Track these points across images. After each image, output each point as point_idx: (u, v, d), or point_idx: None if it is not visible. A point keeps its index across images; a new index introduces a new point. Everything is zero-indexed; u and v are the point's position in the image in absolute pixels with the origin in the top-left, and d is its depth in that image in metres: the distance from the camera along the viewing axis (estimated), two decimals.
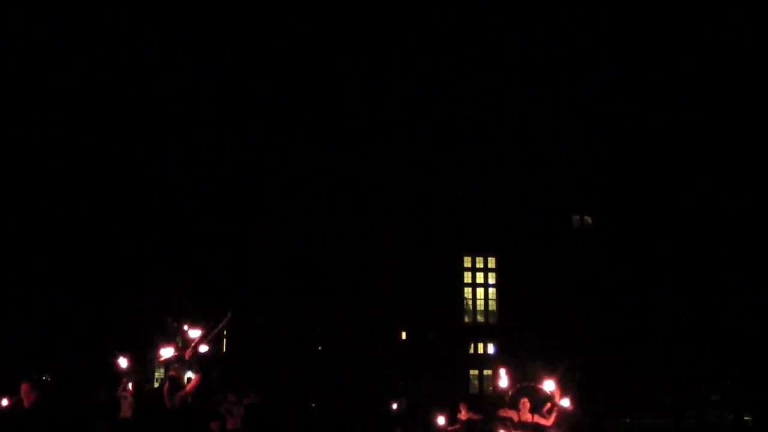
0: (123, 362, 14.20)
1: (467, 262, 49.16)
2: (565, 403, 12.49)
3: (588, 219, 47.12)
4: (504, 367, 14.21)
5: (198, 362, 11.66)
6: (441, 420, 17.50)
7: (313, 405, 30.28)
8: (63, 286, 32.49)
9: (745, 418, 32.40)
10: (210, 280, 39.45)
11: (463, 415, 16.90)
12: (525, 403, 12.36)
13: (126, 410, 14.94)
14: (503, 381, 13.47)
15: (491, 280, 49.02)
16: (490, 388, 46.01)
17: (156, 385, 32.03)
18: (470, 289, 48.89)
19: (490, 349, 47.55)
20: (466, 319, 48.30)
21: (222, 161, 40.50)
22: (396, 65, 44.25)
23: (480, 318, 48.64)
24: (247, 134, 41.63)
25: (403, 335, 46.14)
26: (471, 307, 48.63)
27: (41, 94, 33.52)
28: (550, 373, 12.88)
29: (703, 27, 36.55)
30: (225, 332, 43.93)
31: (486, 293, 48.91)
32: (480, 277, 49.13)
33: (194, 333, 11.86)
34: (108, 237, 34.73)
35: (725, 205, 34.14)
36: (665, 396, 35.00)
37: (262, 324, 41.66)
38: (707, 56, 36.12)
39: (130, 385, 14.69)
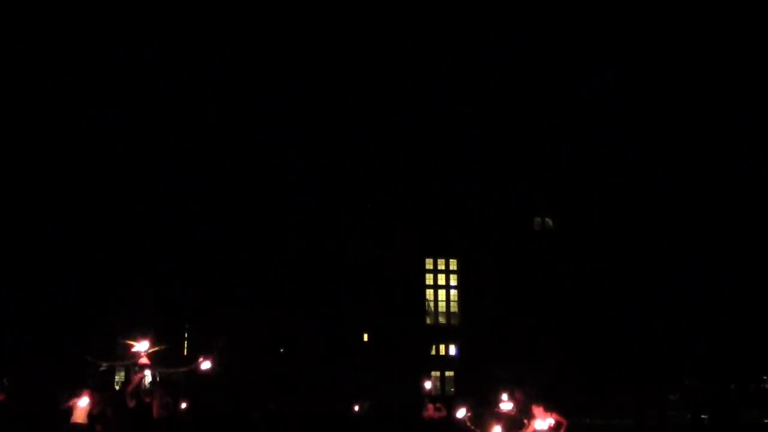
0: (84, 402, 13.62)
1: (429, 264, 49.19)
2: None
3: (549, 221, 47.54)
4: (508, 392, 14.03)
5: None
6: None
7: (272, 408, 29.70)
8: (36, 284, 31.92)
9: (702, 416, 32.89)
10: (174, 284, 38.93)
11: (430, 413, 16.51)
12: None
13: (78, 416, 14.61)
14: (507, 405, 13.30)
15: (453, 281, 49.11)
16: (452, 389, 46.11)
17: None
18: (432, 290, 48.93)
19: (452, 350, 47.65)
20: (428, 321, 48.31)
21: (188, 162, 40.03)
22: (361, 71, 44.24)
23: (442, 320, 48.70)
24: (211, 136, 41.15)
25: (365, 337, 45.97)
26: (433, 308, 48.64)
27: (38, 93, 33.00)
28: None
29: (674, 29, 37.19)
30: (186, 335, 43.44)
31: (447, 295, 48.98)
32: (442, 279, 49.20)
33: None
34: (77, 238, 34.18)
35: (681, 205, 34.72)
36: (627, 396, 35.37)
37: (227, 326, 41.14)
38: (678, 59, 36.75)
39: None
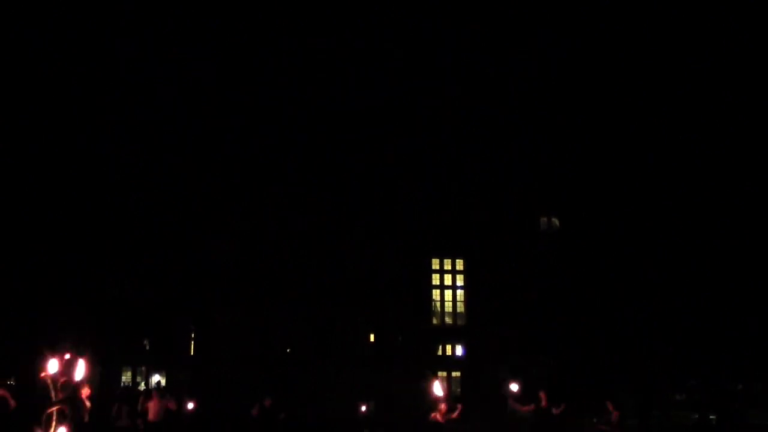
0: (53, 365, 10.19)
1: (435, 264, 49.12)
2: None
3: (555, 221, 47.46)
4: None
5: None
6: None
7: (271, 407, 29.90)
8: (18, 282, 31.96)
9: (710, 417, 32.82)
10: (173, 281, 39.07)
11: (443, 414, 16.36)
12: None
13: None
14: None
15: (459, 282, 49.04)
16: (458, 389, 46.10)
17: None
18: (438, 291, 48.88)
19: (459, 351, 47.62)
20: (435, 321, 48.28)
21: (184, 163, 40.13)
22: (361, 69, 44.27)
23: (448, 320, 48.66)
24: (210, 136, 41.26)
25: (372, 337, 46.03)
26: (439, 309, 48.63)
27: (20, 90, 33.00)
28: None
29: (678, 29, 37.07)
30: (193, 335, 43.64)
31: (454, 295, 48.92)
32: (448, 279, 49.13)
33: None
34: (66, 236, 34.23)
35: (688, 205, 34.64)
36: (631, 396, 35.32)
37: (229, 326, 41.35)
38: (684, 59, 36.62)
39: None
